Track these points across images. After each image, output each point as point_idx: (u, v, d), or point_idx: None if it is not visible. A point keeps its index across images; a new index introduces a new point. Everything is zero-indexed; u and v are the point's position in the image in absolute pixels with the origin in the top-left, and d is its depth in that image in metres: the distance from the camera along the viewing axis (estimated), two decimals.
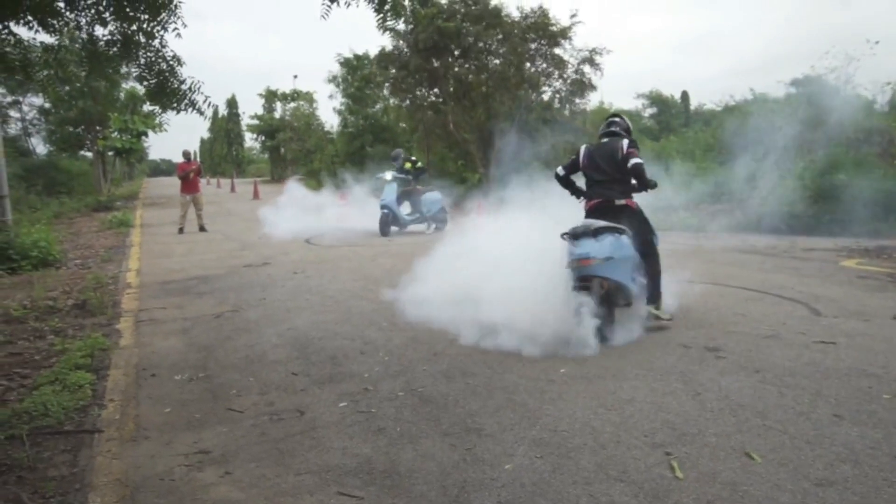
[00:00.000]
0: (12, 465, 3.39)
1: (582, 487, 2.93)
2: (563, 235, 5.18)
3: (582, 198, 5.72)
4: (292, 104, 43.98)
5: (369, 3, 4.72)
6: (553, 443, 3.39)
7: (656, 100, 40.42)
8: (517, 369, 4.57)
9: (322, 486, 3.07)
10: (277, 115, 45.06)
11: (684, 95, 44.07)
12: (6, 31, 4.35)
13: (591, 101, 25.42)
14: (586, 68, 22.23)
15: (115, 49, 4.60)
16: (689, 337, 5.18)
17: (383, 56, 23.45)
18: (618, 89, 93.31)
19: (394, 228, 13.21)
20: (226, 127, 61.54)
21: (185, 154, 15.67)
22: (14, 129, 30.07)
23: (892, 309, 5.83)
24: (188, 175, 14.96)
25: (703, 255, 9.27)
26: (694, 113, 39.08)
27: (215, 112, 59.47)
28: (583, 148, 5.71)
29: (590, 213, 5.46)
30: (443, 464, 3.22)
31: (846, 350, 4.70)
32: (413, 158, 13.99)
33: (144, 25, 4.42)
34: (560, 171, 5.81)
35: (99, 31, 4.45)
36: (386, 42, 23.09)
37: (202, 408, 4.13)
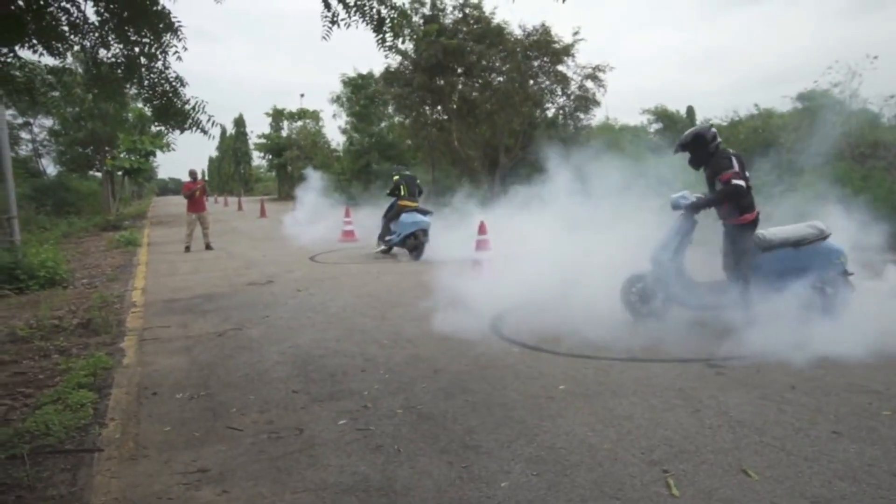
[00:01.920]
0: (12, 484, 3.41)
1: None
2: (810, 237, 5.71)
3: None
4: (299, 123, 44.36)
5: (368, 24, 4.79)
6: (550, 460, 3.38)
7: (661, 115, 40.44)
8: (516, 386, 4.57)
9: None
10: (284, 133, 45.43)
11: (690, 110, 44.06)
12: (12, 54, 4.44)
13: (596, 116, 25.60)
14: (589, 84, 22.43)
15: (119, 71, 4.68)
16: (690, 353, 5.16)
17: (388, 74, 23.71)
18: (623, 105, 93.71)
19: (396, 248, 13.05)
20: (233, 146, 62.10)
21: (192, 173, 15.79)
22: (25, 150, 30.48)
23: None
24: (194, 194, 15.08)
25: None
26: None
27: (223, 131, 60.17)
28: (733, 156, 5.65)
29: (754, 224, 5.75)
30: (439, 481, 3.22)
31: (848, 366, 4.67)
32: (395, 177, 12.66)
33: (147, 49, 4.51)
34: (744, 184, 5.57)
35: (102, 53, 4.53)
36: (391, 61, 23.35)
37: (202, 426, 4.14)
